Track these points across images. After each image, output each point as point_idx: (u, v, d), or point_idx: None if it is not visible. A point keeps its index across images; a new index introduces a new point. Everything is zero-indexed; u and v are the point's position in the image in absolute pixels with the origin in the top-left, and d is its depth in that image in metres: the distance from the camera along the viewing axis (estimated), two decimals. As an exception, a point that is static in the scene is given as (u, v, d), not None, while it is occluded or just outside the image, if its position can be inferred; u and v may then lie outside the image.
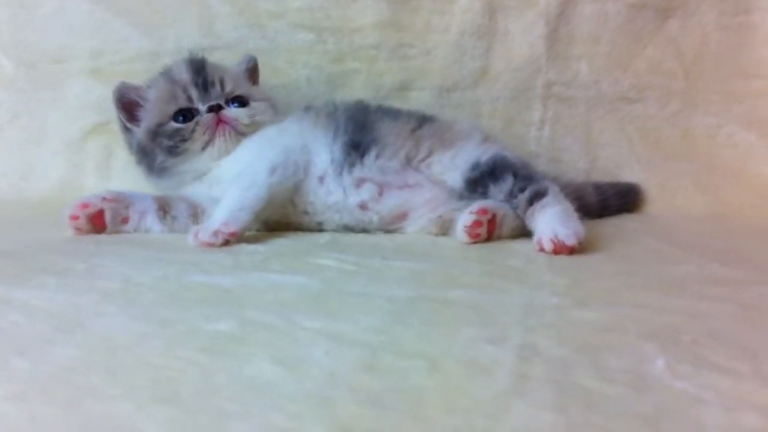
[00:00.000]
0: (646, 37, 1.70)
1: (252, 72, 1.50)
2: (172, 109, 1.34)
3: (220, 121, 1.33)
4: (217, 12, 1.79)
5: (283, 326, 0.72)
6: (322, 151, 1.34)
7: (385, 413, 0.52)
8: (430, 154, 1.35)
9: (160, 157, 1.35)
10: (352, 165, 1.33)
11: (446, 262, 1.06)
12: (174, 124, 1.34)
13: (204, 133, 1.33)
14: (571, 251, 1.10)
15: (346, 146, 1.34)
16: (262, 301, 0.82)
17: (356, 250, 1.13)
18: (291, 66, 1.78)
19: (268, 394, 0.55)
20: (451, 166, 1.33)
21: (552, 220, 1.15)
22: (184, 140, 1.33)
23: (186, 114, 1.34)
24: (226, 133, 1.34)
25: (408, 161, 1.35)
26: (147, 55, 1.80)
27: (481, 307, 0.80)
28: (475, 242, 1.21)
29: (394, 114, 1.42)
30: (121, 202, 1.33)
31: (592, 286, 0.91)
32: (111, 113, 1.45)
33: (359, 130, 1.36)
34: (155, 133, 1.34)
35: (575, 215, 1.19)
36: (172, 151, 1.34)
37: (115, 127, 1.47)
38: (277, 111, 1.43)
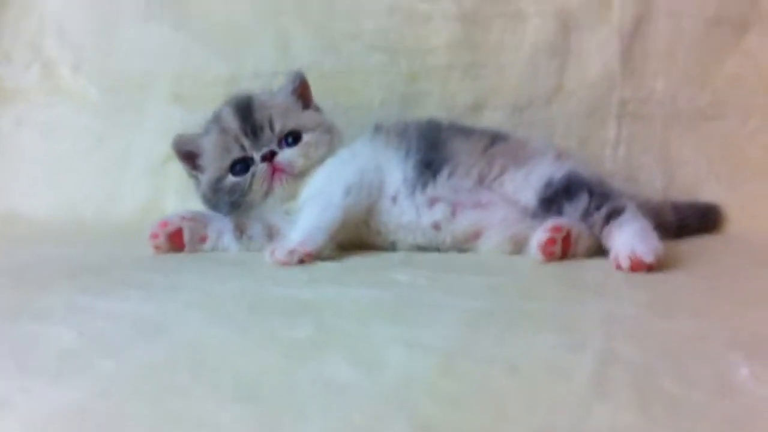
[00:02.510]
0: (723, 53, 1.66)
1: (302, 91, 1.43)
2: (228, 162, 1.33)
3: (275, 170, 1.32)
4: (293, 35, 1.83)
5: (360, 332, 0.72)
6: (395, 171, 1.34)
7: (465, 413, 0.52)
8: (502, 172, 1.33)
9: (225, 208, 1.36)
10: (424, 184, 1.32)
11: (521, 277, 1.06)
12: (232, 178, 1.33)
13: (262, 184, 1.32)
14: (649, 268, 1.06)
15: (419, 165, 1.33)
16: (339, 310, 0.84)
17: (430, 267, 1.12)
18: (365, 87, 1.79)
19: (347, 395, 0.56)
20: (525, 185, 1.31)
21: (629, 237, 1.13)
22: (244, 195, 1.32)
23: (242, 164, 1.33)
24: (283, 180, 1.32)
25: (481, 180, 1.33)
26: (226, 79, 1.84)
27: (559, 317, 0.79)
28: (549, 260, 1.18)
29: (466, 132, 1.41)
30: (200, 221, 1.37)
31: (672, 299, 0.89)
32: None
33: (431, 149, 1.35)
34: (216, 188, 1.34)
35: (653, 232, 1.15)
36: (234, 205, 1.34)
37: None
38: (333, 131, 1.41)
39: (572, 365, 0.61)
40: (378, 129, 1.44)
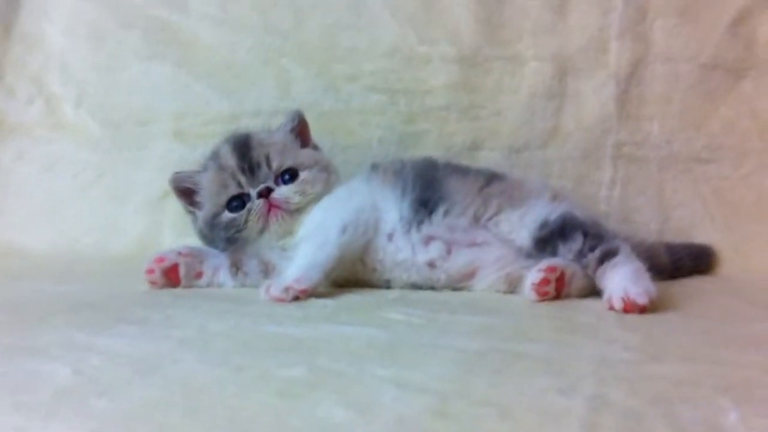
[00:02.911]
0: (719, 98, 1.68)
1: (301, 129, 1.44)
2: (224, 198, 1.34)
3: (271, 206, 1.32)
4: (294, 75, 1.84)
5: (353, 373, 0.73)
6: (391, 209, 1.35)
7: (456, 456, 0.53)
8: (498, 212, 1.34)
9: (221, 245, 1.37)
10: (420, 222, 1.33)
11: (515, 318, 1.06)
12: (228, 214, 1.34)
13: (258, 221, 1.32)
14: (643, 310, 1.07)
15: (415, 204, 1.34)
16: (333, 350, 0.84)
17: (424, 306, 1.12)
18: (364, 127, 1.81)
19: (340, 436, 0.56)
20: (520, 225, 1.32)
21: (623, 279, 1.13)
22: (240, 231, 1.33)
23: (238, 201, 1.33)
24: (279, 216, 1.32)
25: (476, 219, 1.34)
26: (227, 117, 1.86)
27: (552, 359, 0.80)
28: (543, 300, 1.19)
29: (462, 171, 1.42)
30: (196, 257, 1.37)
31: (665, 342, 0.90)
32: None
33: (427, 188, 1.36)
34: (212, 225, 1.35)
35: (647, 275, 1.16)
36: (230, 241, 1.35)
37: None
38: (330, 169, 1.42)
39: (563, 410, 0.61)
40: (375, 168, 1.45)
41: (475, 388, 0.68)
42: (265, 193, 1.32)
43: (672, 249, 1.53)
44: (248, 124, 1.55)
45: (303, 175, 1.36)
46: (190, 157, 1.70)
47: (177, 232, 1.81)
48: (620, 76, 1.71)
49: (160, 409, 0.63)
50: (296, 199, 1.34)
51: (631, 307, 1.07)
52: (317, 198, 1.36)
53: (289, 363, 0.76)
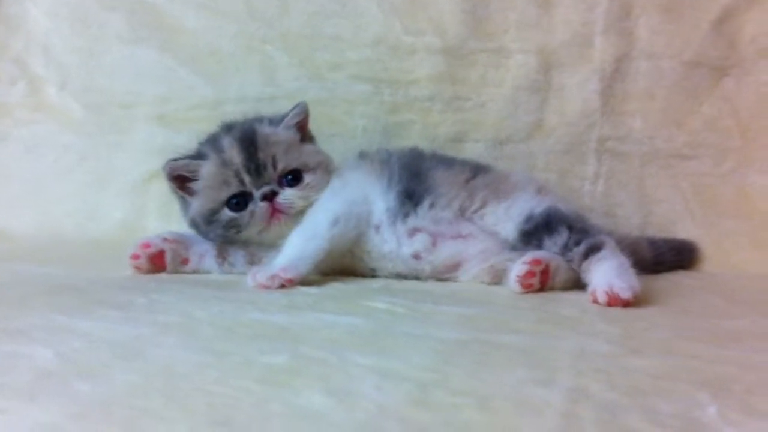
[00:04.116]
0: (701, 95, 1.69)
1: (303, 125, 1.43)
2: (225, 195, 1.32)
3: (275, 210, 1.31)
4: (279, 63, 1.85)
5: (335, 361, 0.73)
6: (378, 200, 1.35)
7: (435, 445, 0.53)
8: (484, 205, 1.35)
9: (215, 239, 1.37)
10: (406, 214, 1.33)
11: (497, 309, 1.06)
12: (228, 213, 1.32)
13: (259, 223, 1.31)
14: (626, 304, 1.08)
15: (401, 195, 1.34)
16: (316, 338, 0.84)
17: (408, 295, 1.13)
18: (348, 116, 1.82)
19: (320, 423, 0.57)
20: (505, 218, 1.32)
21: (608, 273, 1.14)
22: (239, 231, 1.32)
23: (239, 199, 1.32)
24: (282, 220, 1.31)
25: (462, 212, 1.35)
26: (211, 102, 1.87)
27: (532, 351, 0.81)
28: (527, 292, 1.20)
29: (448, 162, 1.42)
30: (182, 243, 1.38)
31: (645, 336, 0.91)
32: (174, 158, 1.48)
33: (413, 179, 1.36)
34: (209, 220, 1.33)
35: (631, 270, 1.17)
36: (226, 238, 1.35)
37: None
38: (331, 168, 1.41)
39: (542, 401, 0.62)
40: (362, 156, 1.45)
41: (454, 378, 0.69)
42: (270, 197, 1.31)
43: (654, 243, 1.55)
44: (233, 111, 1.55)
45: (307, 178, 1.35)
46: (173, 141, 1.71)
47: (162, 217, 1.83)
48: (605, 72, 1.72)
49: (141, 393, 0.63)
50: (300, 203, 1.33)
51: (614, 301, 1.09)
52: (317, 200, 1.35)
53: (272, 350, 0.77)
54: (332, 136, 1.75)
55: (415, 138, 1.74)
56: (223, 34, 1.88)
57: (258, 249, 1.36)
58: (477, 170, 1.41)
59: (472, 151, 1.74)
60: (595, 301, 1.11)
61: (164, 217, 1.81)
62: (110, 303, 1.02)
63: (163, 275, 1.33)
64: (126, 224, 1.89)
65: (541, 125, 1.75)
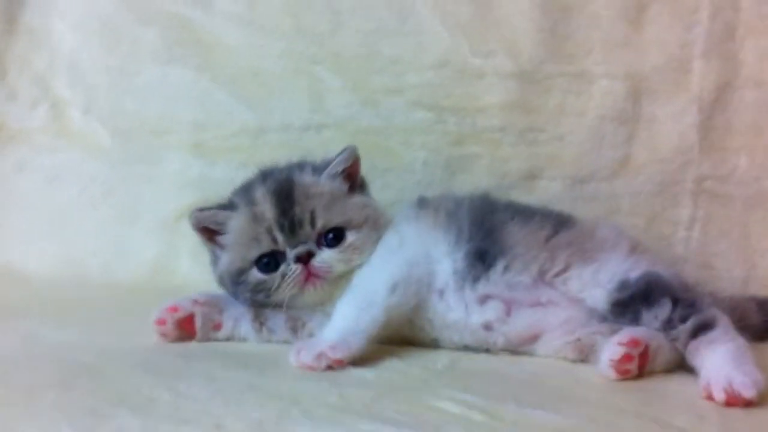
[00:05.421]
0: (816, 130, 1.60)
1: (352, 170, 1.31)
2: (255, 254, 1.22)
3: (310, 274, 1.20)
4: (329, 86, 1.77)
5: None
6: (444, 260, 1.23)
7: None
8: (567, 267, 1.22)
9: (245, 302, 1.27)
10: (476, 279, 1.21)
11: (594, 414, 0.92)
12: (257, 274, 1.22)
13: (292, 288, 1.21)
14: (749, 404, 0.95)
15: (470, 256, 1.23)
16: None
17: (481, 385, 1.01)
18: (406, 147, 1.72)
19: None
20: (593, 283, 1.20)
21: (724, 363, 1.00)
22: (269, 295, 1.22)
23: (270, 259, 1.22)
24: (318, 285, 1.21)
25: (541, 275, 1.23)
26: (252, 130, 1.79)
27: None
28: (623, 379, 1.07)
29: (526, 215, 1.29)
30: (214, 306, 1.28)
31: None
32: (211, 192, 1.39)
33: (485, 236, 1.24)
34: (236, 281, 1.24)
35: (750, 355, 1.03)
36: (255, 302, 1.25)
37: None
38: (381, 224, 1.29)
39: None
40: (423, 203, 1.34)
41: None
42: (305, 258, 1.20)
43: (764, 305, 1.39)
44: (276, 140, 1.58)
45: (350, 238, 1.24)
46: (209, 173, 1.72)
47: (195, 257, 1.71)
48: (704, 101, 1.62)
49: None
50: (340, 267, 1.22)
51: (734, 401, 0.96)
52: (363, 264, 1.24)
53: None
54: (387, 170, 1.68)
55: (481, 174, 1.67)
56: (267, 54, 1.80)
57: (301, 312, 1.26)
58: (559, 225, 1.29)
59: (547, 190, 1.66)
60: (710, 398, 0.98)
61: (198, 258, 1.63)
62: (129, 402, 0.90)
63: (192, 345, 1.23)
64: (156, 265, 1.82)
65: (628, 162, 1.65)
